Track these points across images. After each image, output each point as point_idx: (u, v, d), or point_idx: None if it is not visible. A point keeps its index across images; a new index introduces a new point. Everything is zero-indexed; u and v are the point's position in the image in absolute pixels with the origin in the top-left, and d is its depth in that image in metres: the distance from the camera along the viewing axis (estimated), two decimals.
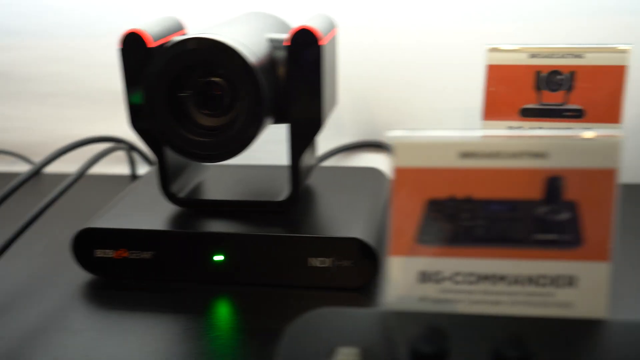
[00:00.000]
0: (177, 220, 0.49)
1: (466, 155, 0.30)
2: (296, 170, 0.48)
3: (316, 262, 0.46)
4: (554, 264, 0.31)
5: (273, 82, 0.45)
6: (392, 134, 0.31)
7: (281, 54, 0.46)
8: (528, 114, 0.51)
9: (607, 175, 0.30)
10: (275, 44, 0.46)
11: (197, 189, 0.52)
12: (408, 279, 0.32)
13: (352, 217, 0.48)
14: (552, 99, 0.50)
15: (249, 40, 0.45)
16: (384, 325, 0.31)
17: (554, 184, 0.30)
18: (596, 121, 0.50)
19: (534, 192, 0.30)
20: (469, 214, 0.31)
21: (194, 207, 0.50)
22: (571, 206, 0.30)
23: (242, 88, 0.43)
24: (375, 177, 0.57)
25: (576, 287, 0.31)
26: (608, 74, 0.49)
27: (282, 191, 0.49)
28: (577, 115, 0.50)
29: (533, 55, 0.50)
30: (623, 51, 0.48)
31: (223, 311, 0.46)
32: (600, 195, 0.30)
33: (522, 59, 0.50)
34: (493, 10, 0.62)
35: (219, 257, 0.47)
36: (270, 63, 0.45)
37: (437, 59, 0.63)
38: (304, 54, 0.44)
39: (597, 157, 0.30)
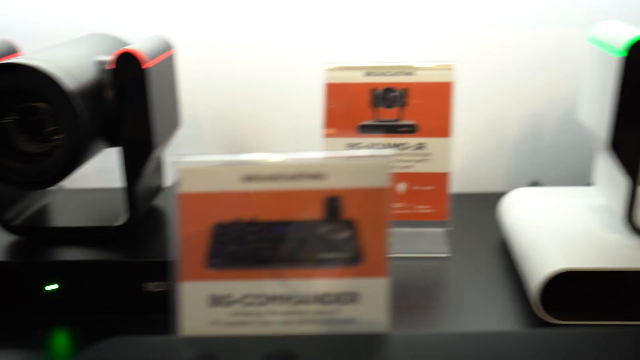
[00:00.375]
0: (9, 249, 0.47)
1: (248, 178, 0.31)
2: (132, 194, 0.47)
3: (151, 286, 0.45)
4: (336, 282, 0.31)
5: (99, 105, 0.45)
6: (175, 160, 0.31)
7: (108, 77, 0.45)
8: (366, 130, 0.52)
9: (380, 193, 0.31)
10: (101, 66, 0.46)
11: (35, 215, 0.51)
12: (199, 303, 0.32)
13: None
14: (388, 115, 0.52)
15: (73, 64, 0.44)
16: (173, 352, 0.31)
17: (332, 203, 0.31)
18: (429, 135, 0.52)
19: (315, 212, 0.31)
20: (255, 236, 0.31)
21: (29, 235, 0.49)
22: (350, 224, 0.31)
23: (61, 113, 0.42)
24: None
25: (358, 303, 0.32)
26: (437, 90, 0.51)
27: (122, 215, 0.49)
28: (410, 130, 0.52)
29: (368, 73, 0.51)
30: (449, 68, 0.50)
31: (58, 342, 0.45)
32: (375, 213, 0.31)
33: (358, 77, 0.51)
34: (333, 30, 0.63)
35: (52, 287, 0.45)
36: (95, 86, 0.45)
37: (293, 78, 0.64)
38: (127, 77, 0.44)
39: (369, 177, 0.31)
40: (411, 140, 0.52)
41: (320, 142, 0.52)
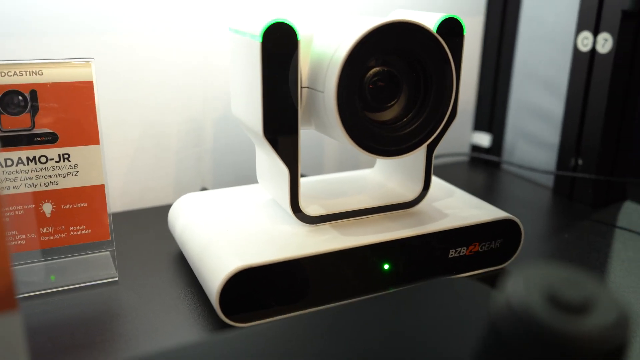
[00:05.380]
0: None
1: None
2: None
3: None
4: None
5: None
6: None
7: None
8: None
9: None
10: None
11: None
12: None
13: None
14: (17, 123, 0.43)
15: None
16: None
17: None
18: (72, 144, 0.44)
19: None
20: None
21: None
22: None
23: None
24: None
25: None
26: (74, 90, 0.43)
27: None
28: (51, 139, 0.43)
29: None
30: (86, 65, 0.44)
31: None
32: None
33: None
34: None
35: None
36: None
37: None
38: None
39: None
40: (51, 152, 0.43)
41: None
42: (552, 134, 0.68)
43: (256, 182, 0.50)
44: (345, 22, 0.42)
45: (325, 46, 0.40)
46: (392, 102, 0.41)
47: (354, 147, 0.40)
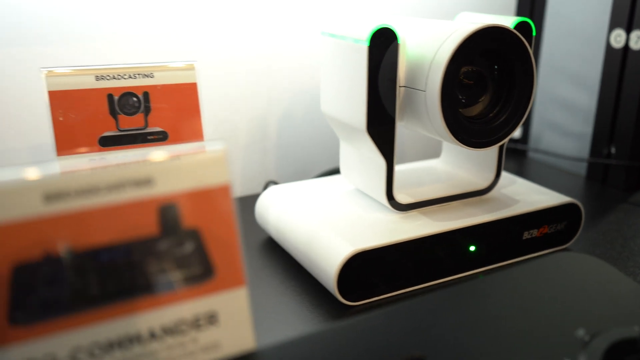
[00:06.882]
0: None
1: (53, 197, 0.23)
2: None
3: None
4: (189, 305, 0.26)
5: None
6: None
7: None
8: (109, 142, 0.45)
9: (222, 192, 0.26)
10: None
11: None
12: None
13: None
14: (132, 123, 0.46)
15: None
16: None
17: (167, 213, 0.25)
18: (181, 141, 0.47)
19: (148, 227, 0.25)
20: (75, 271, 0.24)
21: None
22: (194, 234, 0.26)
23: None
24: None
25: (218, 323, 0.26)
26: (181, 91, 0.47)
27: None
28: (161, 137, 0.47)
29: (100, 77, 0.44)
30: (189, 68, 0.47)
31: None
32: (220, 216, 0.26)
33: (88, 82, 0.44)
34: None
35: None
36: None
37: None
38: None
39: (206, 175, 0.26)
40: (163, 149, 0.46)
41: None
42: (577, 124, 0.73)
43: (315, 175, 0.53)
44: (430, 26, 0.46)
45: (421, 48, 0.44)
46: (482, 99, 0.45)
47: (451, 140, 0.44)
